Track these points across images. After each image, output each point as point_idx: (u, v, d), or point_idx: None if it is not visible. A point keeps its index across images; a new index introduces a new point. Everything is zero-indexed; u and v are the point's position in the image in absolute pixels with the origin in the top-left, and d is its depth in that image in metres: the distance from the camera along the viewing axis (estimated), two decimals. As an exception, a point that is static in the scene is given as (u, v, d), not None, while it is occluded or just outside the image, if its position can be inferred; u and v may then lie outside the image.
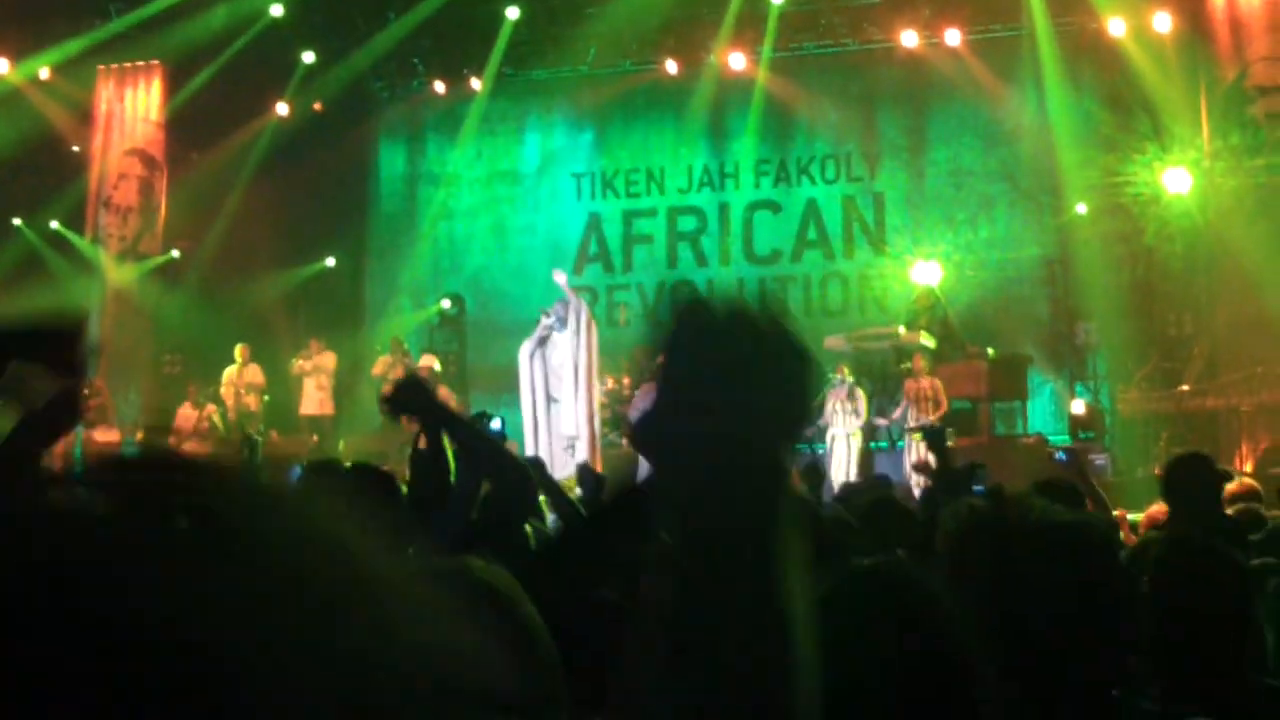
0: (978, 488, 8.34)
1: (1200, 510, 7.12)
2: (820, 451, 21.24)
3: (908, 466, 19.53)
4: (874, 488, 10.38)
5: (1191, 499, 7.33)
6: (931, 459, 9.11)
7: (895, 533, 6.17)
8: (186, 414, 23.79)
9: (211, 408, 23.91)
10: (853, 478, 19.60)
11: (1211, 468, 7.81)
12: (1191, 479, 7.55)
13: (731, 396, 1.50)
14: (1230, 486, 9.97)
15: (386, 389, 6.02)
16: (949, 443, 9.65)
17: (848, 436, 21.21)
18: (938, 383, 21.00)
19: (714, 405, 1.50)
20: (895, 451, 21.35)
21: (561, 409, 19.88)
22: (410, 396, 5.83)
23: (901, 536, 6.07)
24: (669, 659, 1.47)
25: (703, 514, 1.50)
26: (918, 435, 18.91)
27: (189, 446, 22.51)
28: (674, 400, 1.55)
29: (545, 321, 20.12)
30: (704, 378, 1.53)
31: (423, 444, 6.11)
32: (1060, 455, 11.90)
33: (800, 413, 1.57)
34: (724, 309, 1.55)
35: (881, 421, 21.79)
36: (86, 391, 19.34)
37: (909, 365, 21.25)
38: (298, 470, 9.34)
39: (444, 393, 23.17)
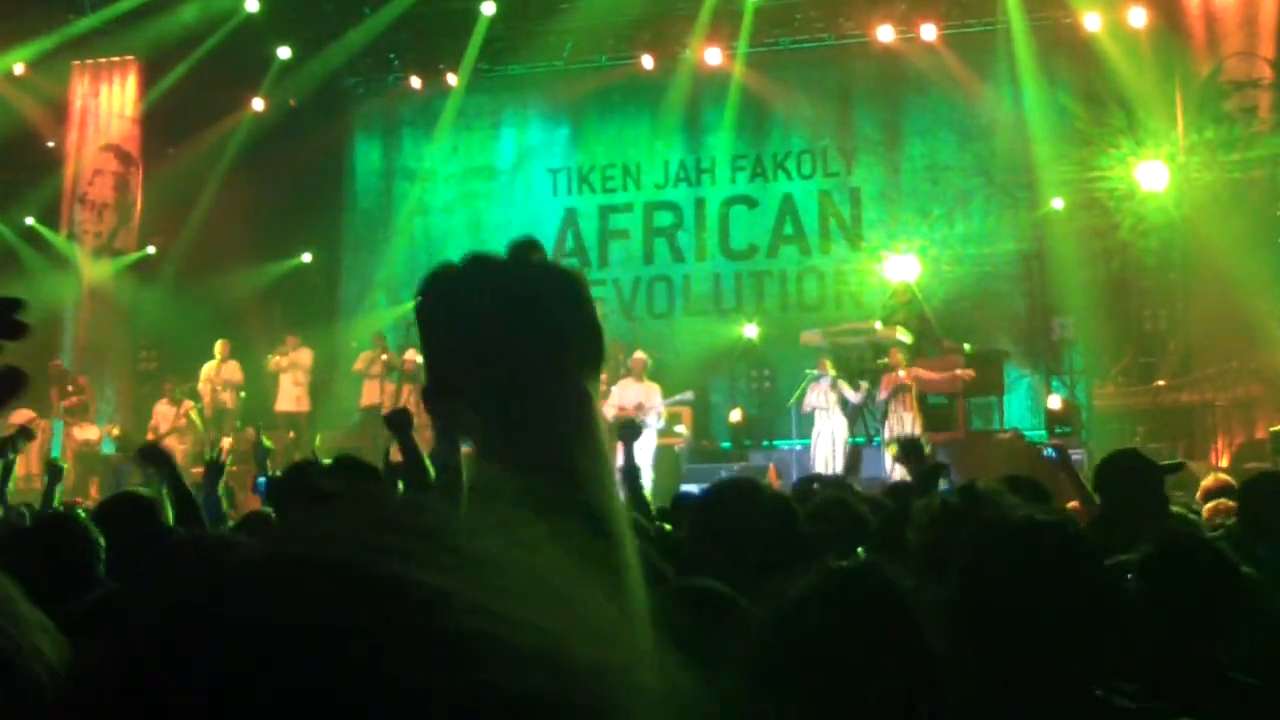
0: (943, 488, 8.38)
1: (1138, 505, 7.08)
2: (806, 445, 21.28)
3: (887, 462, 19.56)
4: (830, 485, 10.36)
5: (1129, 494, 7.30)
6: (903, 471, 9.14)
7: (850, 533, 6.18)
8: (164, 411, 23.74)
9: (189, 404, 23.86)
10: (839, 472, 19.64)
11: (1147, 462, 7.77)
12: (1127, 474, 7.52)
13: (498, 337, 1.54)
14: (1206, 482, 10.00)
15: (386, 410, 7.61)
16: (925, 450, 9.68)
17: (832, 431, 21.23)
18: (918, 370, 21.01)
19: (487, 352, 1.55)
20: (874, 447, 21.37)
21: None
22: (400, 423, 7.27)
23: (859, 538, 6.08)
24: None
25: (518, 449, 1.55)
26: (893, 449, 18.93)
27: (167, 443, 22.55)
28: (447, 364, 1.59)
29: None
30: (467, 329, 1.56)
31: (396, 457, 6.97)
32: (1049, 452, 11.98)
33: (574, 333, 1.61)
34: (462, 263, 1.60)
35: (854, 396, 21.60)
36: (70, 388, 19.25)
37: (885, 361, 21.26)
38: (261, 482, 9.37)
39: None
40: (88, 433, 23.69)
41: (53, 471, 10.73)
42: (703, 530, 4.97)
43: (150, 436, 23.17)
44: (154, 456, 8.66)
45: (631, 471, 9.26)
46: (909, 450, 9.36)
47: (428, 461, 6.91)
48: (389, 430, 7.56)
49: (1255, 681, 4.09)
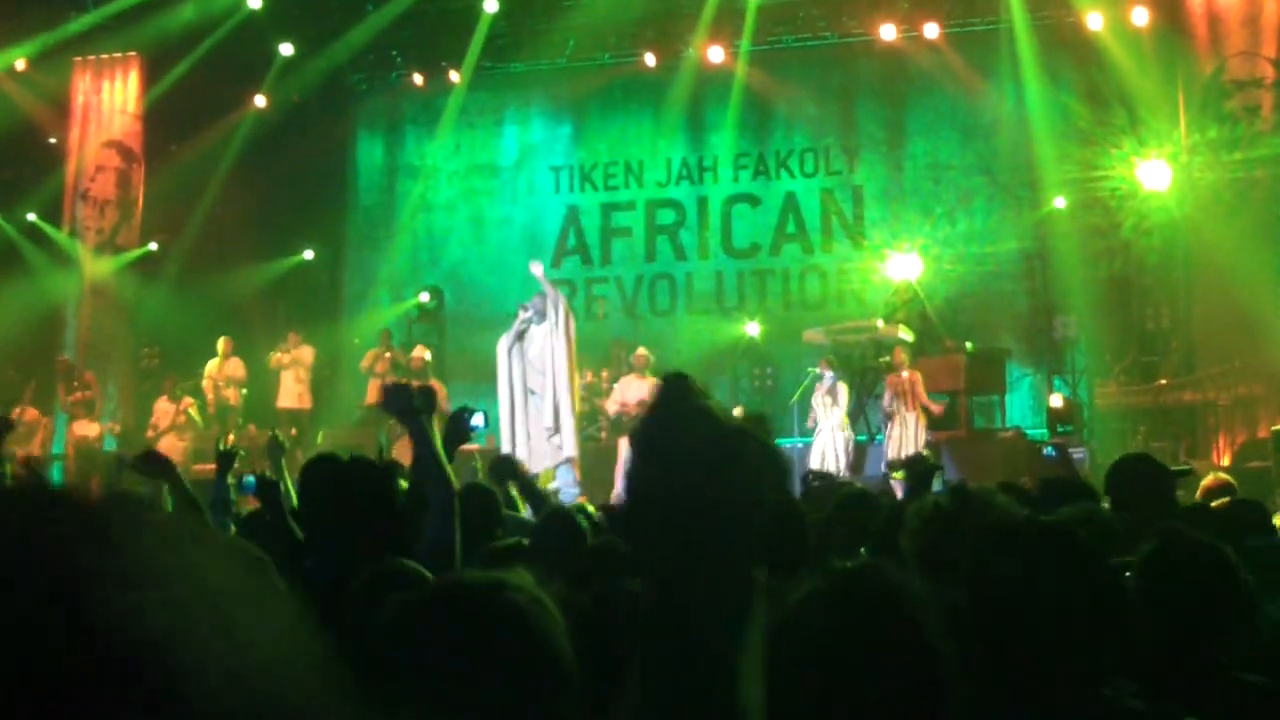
0: (936, 488, 8.41)
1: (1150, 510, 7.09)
2: (808, 443, 21.26)
3: (886, 460, 19.56)
4: (837, 484, 10.36)
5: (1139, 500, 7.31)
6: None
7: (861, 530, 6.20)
8: (163, 408, 23.72)
9: (188, 401, 23.84)
10: (843, 471, 19.64)
11: (1160, 467, 7.80)
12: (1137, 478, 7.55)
13: (705, 504, 1.54)
14: (1206, 481, 9.99)
15: (387, 382, 6.57)
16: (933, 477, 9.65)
17: (833, 429, 21.19)
18: (917, 375, 20.99)
19: (687, 509, 1.54)
20: (876, 444, 21.37)
21: (541, 402, 19.87)
22: (399, 401, 6.18)
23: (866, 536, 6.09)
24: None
25: (675, 608, 1.54)
26: (899, 474, 18.87)
27: (167, 440, 22.57)
28: (649, 492, 1.59)
29: (523, 315, 20.10)
30: (680, 479, 1.56)
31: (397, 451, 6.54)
32: (1049, 451, 12.01)
33: (764, 525, 1.60)
34: (701, 409, 1.59)
35: (841, 403, 21.55)
36: (76, 384, 19.21)
37: (888, 359, 21.24)
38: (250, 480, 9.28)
39: (435, 385, 23.18)
40: (89, 429, 23.68)
41: (274, 447, 10.48)
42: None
43: (150, 434, 23.20)
44: (151, 464, 8.56)
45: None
46: (917, 474, 9.35)
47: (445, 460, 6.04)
48: (387, 411, 6.69)
49: (1259, 681, 4.09)
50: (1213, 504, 8.23)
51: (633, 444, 1.63)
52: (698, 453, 1.56)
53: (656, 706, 1.52)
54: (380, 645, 2.61)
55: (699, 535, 1.52)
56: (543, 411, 19.80)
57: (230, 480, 9.18)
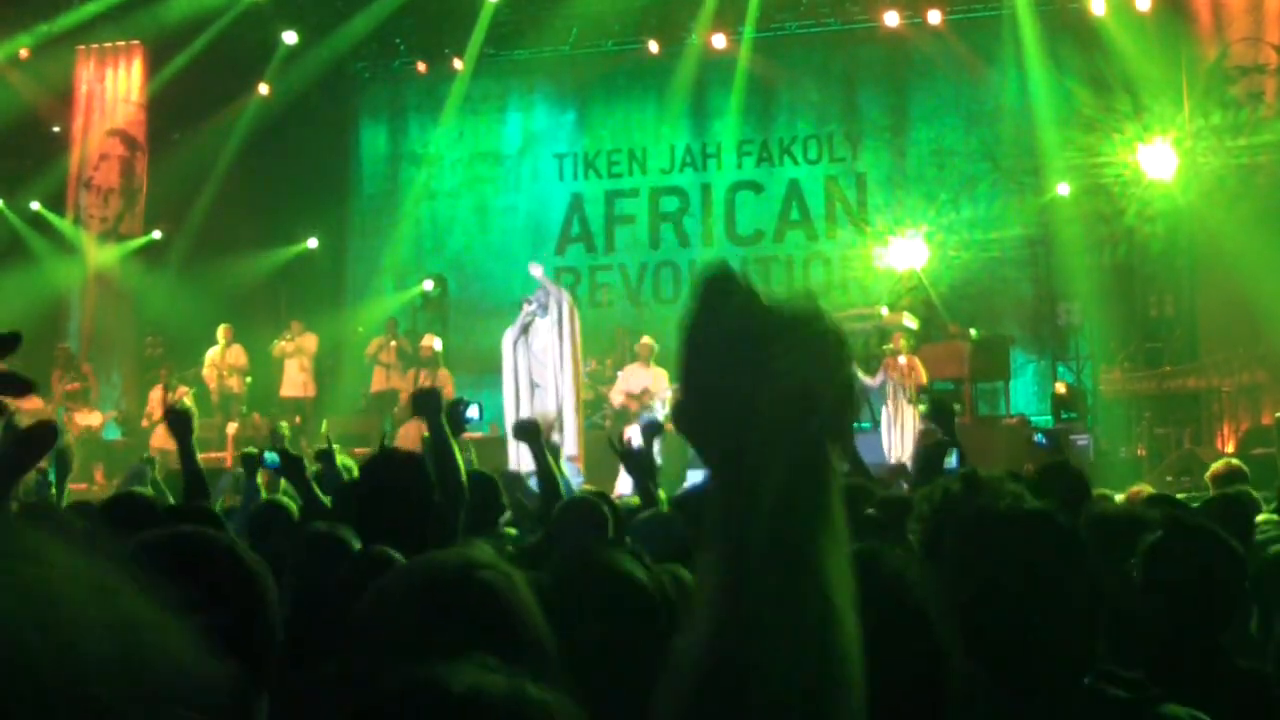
0: (951, 465, 8.34)
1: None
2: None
3: (884, 447, 19.59)
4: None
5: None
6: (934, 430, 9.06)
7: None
8: (159, 396, 23.71)
9: (184, 390, 23.83)
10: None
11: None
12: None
13: (760, 378, 1.49)
14: (1216, 467, 9.96)
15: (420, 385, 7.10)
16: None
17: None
18: (916, 360, 20.99)
19: (744, 388, 1.49)
20: (874, 433, 21.32)
21: (545, 395, 19.87)
22: (429, 405, 6.81)
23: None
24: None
25: (746, 503, 1.46)
26: (923, 406, 18.87)
27: (161, 428, 22.58)
28: (703, 383, 1.55)
29: (528, 308, 20.09)
30: (731, 359, 1.52)
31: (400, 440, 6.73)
32: (1039, 438, 11.87)
33: (836, 393, 1.52)
34: (745, 288, 1.55)
35: (870, 382, 21.51)
36: (71, 373, 19.24)
37: (891, 346, 21.23)
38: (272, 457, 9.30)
39: (443, 375, 23.22)
40: (89, 418, 23.66)
41: (61, 463, 10.50)
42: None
43: (144, 423, 23.23)
44: (178, 421, 8.52)
45: (650, 468, 9.26)
46: (939, 409, 9.30)
47: (459, 456, 6.49)
48: (417, 413, 7.09)
49: (1258, 668, 4.10)
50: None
51: (683, 340, 1.61)
52: (749, 334, 1.53)
53: (730, 621, 1.43)
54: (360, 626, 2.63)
55: (758, 414, 1.47)
56: (547, 405, 19.81)
57: (252, 452, 9.27)
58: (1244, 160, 21.14)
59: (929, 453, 8.24)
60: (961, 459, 8.69)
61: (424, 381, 22.68)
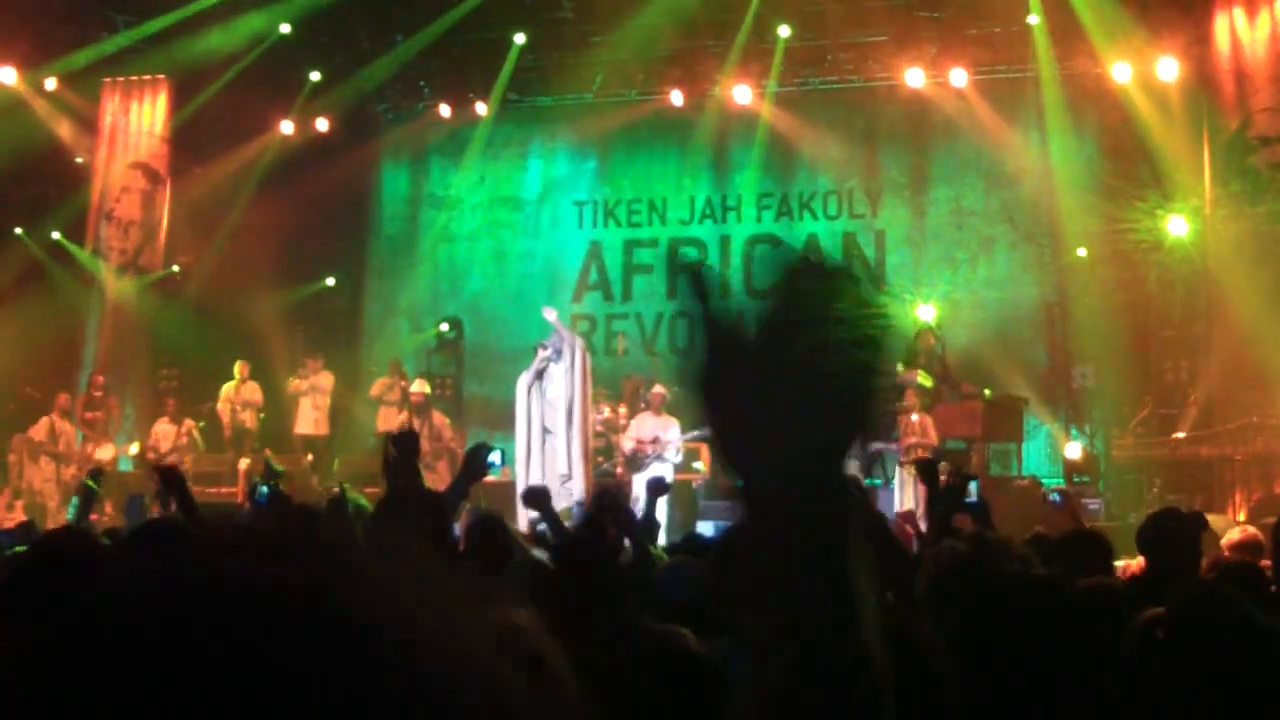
0: (971, 499, 8.38)
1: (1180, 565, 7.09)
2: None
3: (897, 505, 19.55)
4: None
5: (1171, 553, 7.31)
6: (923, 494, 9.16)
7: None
8: (163, 430, 23.71)
9: (190, 423, 23.86)
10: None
11: (1190, 522, 7.81)
12: (1171, 533, 7.54)
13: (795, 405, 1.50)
14: (1233, 536, 9.88)
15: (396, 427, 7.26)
16: (941, 474, 9.69)
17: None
18: (927, 419, 20.99)
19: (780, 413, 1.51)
20: (885, 489, 21.30)
21: (556, 442, 19.90)
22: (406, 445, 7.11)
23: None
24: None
25: (771, 522, 1.50)
26: (912, 469, 18.90)
27: (169, 462, 22.60)
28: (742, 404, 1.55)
29: (542, 354, 20.16)
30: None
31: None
32: (1054, 497, 11.88)
33: (860, 420, 1.54)
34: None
35: (879, 446, 21.58)
36: (99, 402, 19.21)
37: (904, 404, 21.22)
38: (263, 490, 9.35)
39: (438, 418, 23.20)
40: (105, 452, 23.66)
41: (86, 493, 10.73)
42: (722, 573, 4.96)
43: (150, 456, 23.22)
44: (169, 478, 8.66)
45: (651, 526, 9.28)
46: (925, 470, 9.38)
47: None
48: (395, 449, 7.28)
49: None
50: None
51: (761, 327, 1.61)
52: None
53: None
54: None
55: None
56: (557, 452, 19.83)
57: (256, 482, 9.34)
58: (1264, 228, 21.13)
59: (950, 490, 8.28)
60: (981, 499, 8.76)
61: (416, 427, 22.72)
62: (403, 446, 7.04)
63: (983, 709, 2.91)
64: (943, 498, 8.22)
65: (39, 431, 23.33)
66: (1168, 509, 8.84)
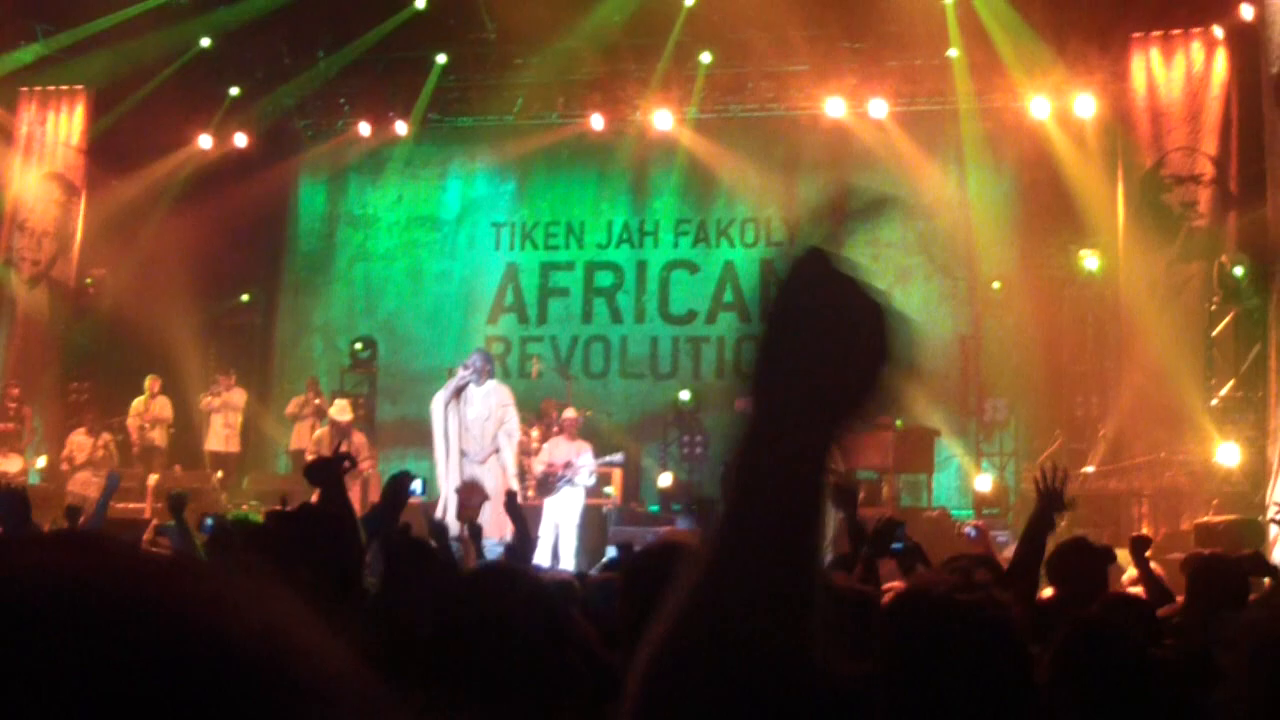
0: (896, 545, 8.42)
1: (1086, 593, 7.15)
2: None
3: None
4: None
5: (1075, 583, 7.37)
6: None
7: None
8: (79, 441, 23.52)
9: (107, 436, 23.67)
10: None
11: (1098, 554, 7.88)
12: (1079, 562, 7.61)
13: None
14: (1132, 574, 9.99)
15: (310, 457, 7.21)
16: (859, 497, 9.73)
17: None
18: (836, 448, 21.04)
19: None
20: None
21: (470, 466, 19.83)
22: (322, 475, 6.86)
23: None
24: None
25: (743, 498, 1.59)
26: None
27: (82, 475, 22.39)
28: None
29: (462, 373, 20.08)
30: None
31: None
32: (970, 530, 12.02)
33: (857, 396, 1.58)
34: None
35: None
36: (12, 414, 19.12)
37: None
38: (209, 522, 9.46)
39: (358, 439, 23.06)
40: (11, 464, 23.39)
41: (110, 481, 12.46)
42: (627, 599, 4.94)
43: (65, 467, 23.03)
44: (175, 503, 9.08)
45: (525, 547, 9.37)
46: (841, 497, 9.39)
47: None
48: (313, 483, 6.97)
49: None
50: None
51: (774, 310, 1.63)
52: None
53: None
54: None
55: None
56: (474, 475, 19.75)
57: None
58: (1175, 266, 21.34)
59: (878, 533, 8.30)
60: (910, 543, 8.82)
61: (344, 448, 22.56)
62: (323, 475, 6.88)
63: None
64: (870, 541, 8.23)
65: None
66: (1076, 538, 8.92)
